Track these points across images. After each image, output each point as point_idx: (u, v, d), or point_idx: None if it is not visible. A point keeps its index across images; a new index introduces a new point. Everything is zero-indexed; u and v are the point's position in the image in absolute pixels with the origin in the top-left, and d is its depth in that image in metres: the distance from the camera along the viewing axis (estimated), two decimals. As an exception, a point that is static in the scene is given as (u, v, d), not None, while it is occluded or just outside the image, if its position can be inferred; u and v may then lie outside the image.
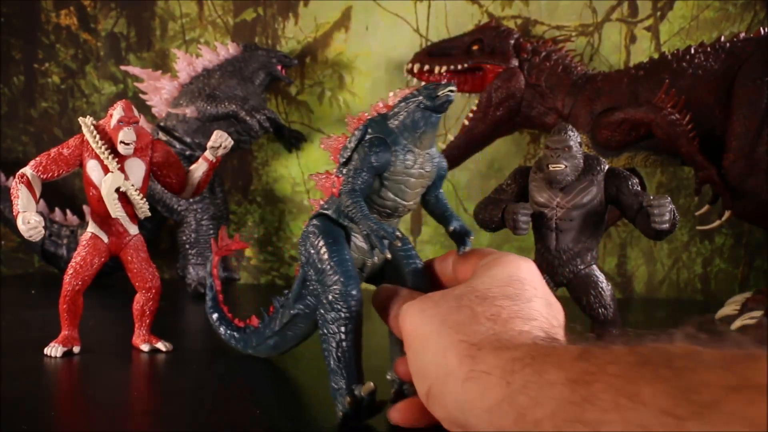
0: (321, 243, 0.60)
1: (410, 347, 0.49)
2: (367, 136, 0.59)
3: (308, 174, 0.68)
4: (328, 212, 0.62)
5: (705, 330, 0.33)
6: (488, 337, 0.43)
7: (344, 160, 0.60)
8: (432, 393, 0.44)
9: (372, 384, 0.57)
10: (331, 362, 0.58)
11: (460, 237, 0.61)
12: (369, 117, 0.61)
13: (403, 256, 0.64)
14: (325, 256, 0.59)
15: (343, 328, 0.57)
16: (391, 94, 0.61)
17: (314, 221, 0.62)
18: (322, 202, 0.65)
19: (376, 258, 0.64)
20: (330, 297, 0.58)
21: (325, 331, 0.58)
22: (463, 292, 0.49)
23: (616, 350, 0.33)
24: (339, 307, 0.57)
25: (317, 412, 0.63)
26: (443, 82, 0.58)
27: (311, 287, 0.63)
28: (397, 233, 0.58)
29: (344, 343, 0.57)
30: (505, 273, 0.51)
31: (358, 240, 0.62)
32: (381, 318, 0.59)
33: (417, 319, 0.48)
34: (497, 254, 0.54)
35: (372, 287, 0.70)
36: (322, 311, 0.58)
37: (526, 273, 0.52)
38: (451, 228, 0.62)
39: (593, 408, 0.30)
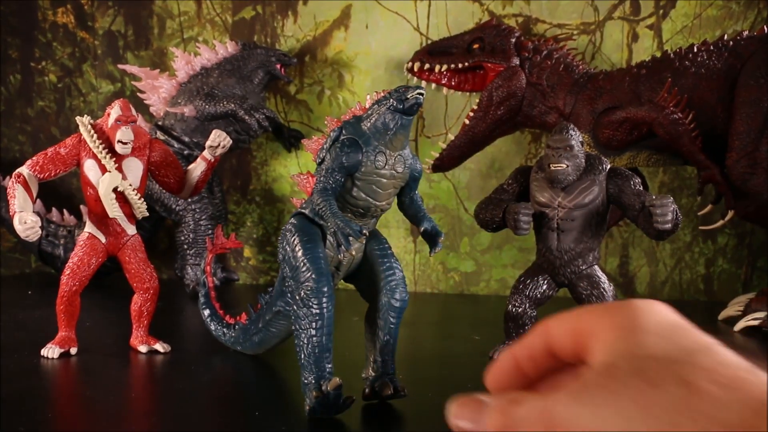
0: (296, 241, 0.62)
1: None
2: (341, 138, 0.61)
3: (291, 174, 0.70)
4: (305, 211, 0.64)
5: None
6: (743, 408, 0.27)
7: (320, 160, 0.63)
8: None
9: (338, 379, 0.58)
10: (302, 357, 0.59)
11: (431, 237, 0.64)
12: (345, 119, 0.63)
13: (379, 255, 0.66)
14: (299, 254, 0.61)
15: (314, 324, 0.59)
16: (368, 96, 0.63)
17: (292, 220, 0.64)
18: (303, 202, 0.66)
19: (341, 255, 0.65)
20: (302, 293, 0.59)
21: (297, 326, 0.60)
22: (639, 365, 0.31)
23: None
24: (310, 303, 0.59)
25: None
26: (413, 85, 0.60)
27: (287, 283, 0.63)
28: (365, 231, 0.60)
29: (314, 339, 0.59)
30: (656, 322, 0.33)
31: (333, 239, 0.64)
32: None
33: (587, 418, 0.29)
34: (615, 307, 0.34)
35: (350, 286, 0.70)
36: (295, 307, 0.60)
37: (674, 314, 0.34)
38: (422, 228, 0.64)
39: None
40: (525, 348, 0.36)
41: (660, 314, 0.34)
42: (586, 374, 0.32)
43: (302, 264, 0.60)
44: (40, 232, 0.74)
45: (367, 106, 0.62)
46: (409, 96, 0.59)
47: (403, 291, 0.65)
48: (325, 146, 0.63)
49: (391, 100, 0.59)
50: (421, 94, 0.59)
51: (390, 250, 0.67)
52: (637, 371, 0.31)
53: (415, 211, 0.66)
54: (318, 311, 0.59)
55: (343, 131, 0.62)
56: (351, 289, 0.70)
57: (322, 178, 0.60)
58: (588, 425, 0.30)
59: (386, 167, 0.60)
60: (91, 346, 0.83)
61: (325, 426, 0.59)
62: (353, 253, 0.64)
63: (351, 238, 0.58)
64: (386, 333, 0.64)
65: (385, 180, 0.61)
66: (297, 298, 0.60)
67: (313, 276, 0.59)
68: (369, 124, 0.61)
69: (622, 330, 0.33)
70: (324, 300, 0.59)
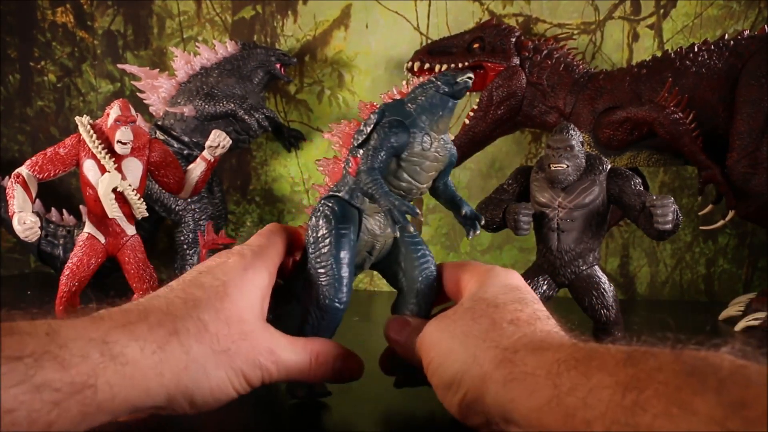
0: (331, 233, 0.61)
1: (432, 362, 0.50)
2: (385, 119, 0.60)
3: (316, 160, 0.69)
4: (340, 194, 0.63)
5: (748, 344, 0.35)
6: (518, 339, 0.45)
7: (360, 141, 0.62)
8: (468, 399, 0.45)
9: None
10: None
11: (471, 221, 0.64)
12: (384, 102, 0.63)
13: (410, 242, 0.66)
14: (327, 250, 0.60)
15: (321, 328, 0.60)
16: (404, 82, 0.63)
17: (328, 203, 0.63)
18: (329, 185, 0.65)
19: (378, 244, 0.65)
20: (321, 298, 0.60)
21: (305, 317, 0.60)
22: (473, 305, 0.51)
23: (662, 357, 0.35)
24: (324, 311, 0.59)
25: (315, 412, 0.62)
26: (461, 70, 0.61)
27: (308, 264, 0.62)
28: (417, 210, 0.60)
29: (316, 333, 0.60)
30: (500, 282, 0.55)
31: (369, 222, 0.63)
32: (394, 348, 0.60)
33: (436, 335, 0.51)
34: (484, 267, 0.59)
35: (378, 287, 0.70)
36: (309, 298, 0.60)
37: (518, 281, 0.57)
38: (463, 212, 0.64)
39: (645, 413, 0.32)
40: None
41: (507, 278, 0.56)
42: (449, 310, 0.54)
43: (328, 263, 0.60)
44: (39, 232, 0.74)
45: (405, 91, 0.62)
46: (458, 80, 0.59)
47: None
48: (364, 129, 0.62)
49: (439, 83, 0.60)
50: (471, 78, 0.60)
51: (419, 237, 0.67)
52: (470, 310, 0.51)
53: (451, 195, 0.66)
54: (329, 318, 0.60)
55: (386, 113, 0.61)
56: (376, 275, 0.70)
57: (368, 159, 0.59)
58: (434, 338, 0.51)
59: (431, 149, 0.60)
60: (91, 346, 0.83)
61: (325, 425, 0.59)
62: (396, 234, 0.63)
63: (405, 216, 0.58)
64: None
65: (428, 162, 0.61)
66: (313, 295, 0.60)
67: (336, 285, 0.59)
68: (415, 105, 0.60)
69: (478, 284, 0.55)
70: (339, 308, 0.60)
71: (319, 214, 0.63)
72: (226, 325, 0.50)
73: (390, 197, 0.57)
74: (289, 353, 0.54)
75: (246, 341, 0.51)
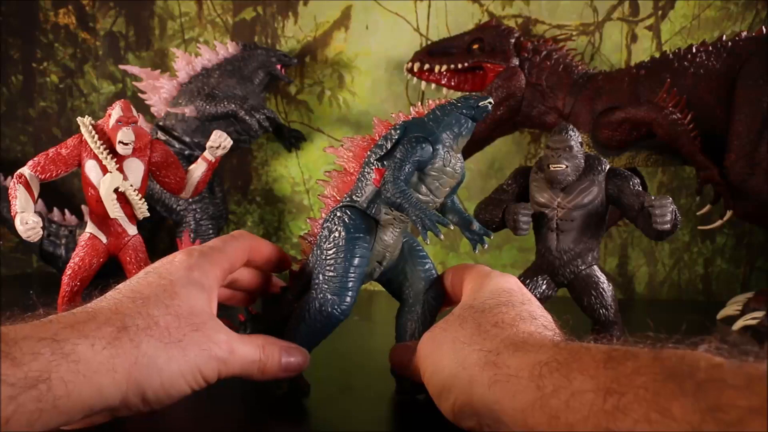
0: (348, 239, 0.62)
1: (426, 371, 0.52)
2: (409, 135, 0.62)
3: (325, 171, 0.70)
4: (357, 204, 0.64)
5: (725, 341, 0.35)
6: (501, 341, 0.46)
7: (382, 154, 0.63)
8: (458, 404, 0.47)
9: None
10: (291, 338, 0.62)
11: (479, 237, 0.65)
12: (403, 120, 0.64)
13: (416, 255, 0.68)
14: (342, 255, 0.61)
15: (317, 327, 0.61)
16: (419, 103, 0.65)
17: (347, 211, 0.64)
18: (336, 196, 0.66)
19: (388, 254, 0.66)
20: (322, 301, 0.61)
21: (301, 313, 0.61)
22: (462, 312, 0.53)
23: (641, 358, 0.36)
24: (321, 319, 0.61)
25: (317, 412, 0.63)
26: (482, 95, 0.64)
27: (317, 269, 0.63)
28: (446, 221, 0.61)
29: (313, 337, 0.62)
30: (492, 287, 0.56)
31: (383, 233, 0.64)
32: (399, 373, 0.63)
33: (429, 345, 0.53)
34: (482, 273, 0.60)
35: (378, 286, 0.71)
36: (313, 298, 0.61)
37: (512, 284, 0.57)
38: (474, 226, 0.65)
39: (625, 418, 0.33)
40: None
41: (500, 282, 0.57)
42: (441, 321, 0.54)
43: (339, 271, 0.61)
44: (41, 232, 0.74)
45: (424, 111, 0.64)
46: (480, 104, 0.62)
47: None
48: (385, 143, 0.63)
49: (460, 106, 0.62)
50: (491, 103, 0.62)
51: (420, 245, 0.69)
52: (459, 317, 0.52)
53: (459, 211, 0.67)
54: (328, 323, 0.61)
55: (408, 130, 0.62)
56: (379, 290, 0.71)
57: (394, 170, 0.60)
58: (427, 349, 0.53)
59: (450, 165, 0.62)
60: (93, 345, 0.83)
61: (326, 424, 0.59)
62: (428, 241, 0.63)
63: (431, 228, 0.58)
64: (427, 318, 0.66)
65: (446, 178, 0.62)
66: (316, 299, 0.61)
67: (341, 293, 0.60)
68: (437, 124, 0.62)
69: (471, 291, 0.56)
70: (339, 316, 0.61)
71: (337, 221, 0.63)
72: (176, 318, 0.49)
73: (420, 206, 0.58)
74: (242, 345, 0.54)
75: (198, 332, 0.50)
